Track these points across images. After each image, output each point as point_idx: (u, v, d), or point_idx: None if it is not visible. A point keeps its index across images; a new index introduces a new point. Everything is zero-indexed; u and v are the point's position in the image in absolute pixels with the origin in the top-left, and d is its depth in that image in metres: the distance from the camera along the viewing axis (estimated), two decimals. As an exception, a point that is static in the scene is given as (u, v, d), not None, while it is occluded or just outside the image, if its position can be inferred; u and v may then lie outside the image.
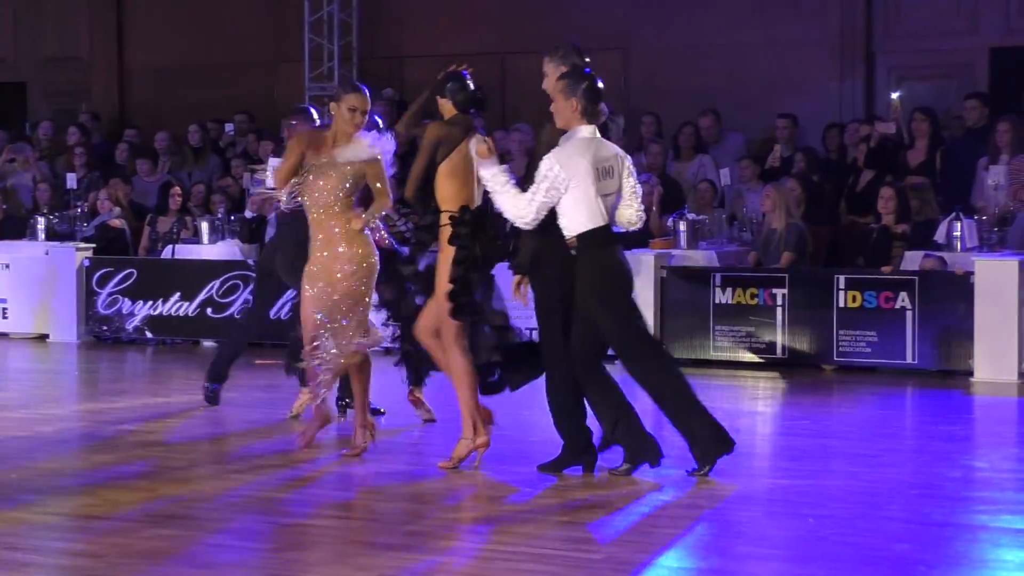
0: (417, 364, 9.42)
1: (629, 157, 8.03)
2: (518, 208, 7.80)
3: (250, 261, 14.00)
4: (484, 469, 8.18)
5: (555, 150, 7.79)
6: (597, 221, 7.77)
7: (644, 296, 12.64)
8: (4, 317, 15.01)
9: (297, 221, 8.97)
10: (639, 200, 8.02)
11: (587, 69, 7.96)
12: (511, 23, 16.99)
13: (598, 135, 7.87)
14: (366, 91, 8.61)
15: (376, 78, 16.38)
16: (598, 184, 7.75)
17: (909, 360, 12.05)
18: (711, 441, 7.82)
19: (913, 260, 12.45)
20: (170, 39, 18.81)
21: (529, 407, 9.20)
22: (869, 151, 13.73)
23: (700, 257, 13.16)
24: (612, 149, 7.89)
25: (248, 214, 14.30)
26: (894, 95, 14.54)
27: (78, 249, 14.79)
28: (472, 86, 8.36)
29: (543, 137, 8.14)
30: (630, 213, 8.00)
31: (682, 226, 13.23)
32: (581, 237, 7.78)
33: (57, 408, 10.80)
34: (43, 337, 14.78)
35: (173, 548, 6.50)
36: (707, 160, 14.80)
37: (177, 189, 15.44)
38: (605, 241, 7.82)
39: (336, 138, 8.48)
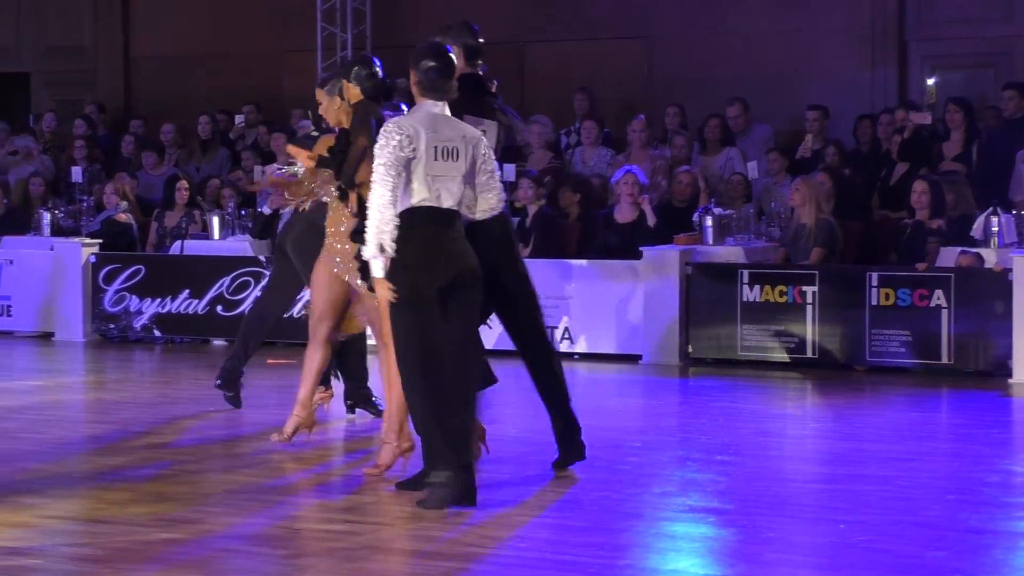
0: None
1: (484, 142, 7.43)
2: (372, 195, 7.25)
3: (261, 257, 13.80)
4: (502, 472, 8.02)
5: (397, 118, 7.33)
6: (412, 201, 7.18)
7: (668, 294, 12.45)
8: (8, 315, 14.83)
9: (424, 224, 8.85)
10: (498, 186, 7.47)
11: (448, 47, 7.48)
12: (530, 12, 16.81)
13: (447, 112, 7.34)
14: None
15: (390, 69, 16.08)
16: (432, 163, 7.20)
17: (944, 360, 11.86)
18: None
19: (949, 256, 12.26)
20: (177, 27, 18.68)
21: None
22: (903, 142, 13.47)
23: (727, 253, 12.96)
24: (461, 130, 7.33)
25: (265, 210, 14.14)
26: (930, 81, 14.30)
27: (84, 245, 14.62)
28: (381, 73, 8.05)
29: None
30: (491, 197, 7.45)
31: (708, 221, 12.99)
32: (401, 215, 7.23)
33: (63, 409, 10.76)
34: (48, 335, 14.63)
35: (182, 553, 6.44)
36: (735, 153, 14.56)
37: (184, 183, 15.24)
38: (420, 222, 7.21)
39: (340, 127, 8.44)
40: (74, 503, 7.44)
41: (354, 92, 8.11)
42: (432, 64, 7.26)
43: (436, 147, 7.21)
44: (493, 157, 7.48)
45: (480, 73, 7.90)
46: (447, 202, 7.23)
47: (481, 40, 7.84)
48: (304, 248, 9.06)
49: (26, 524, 6.91)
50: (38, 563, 6.29)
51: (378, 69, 8.15)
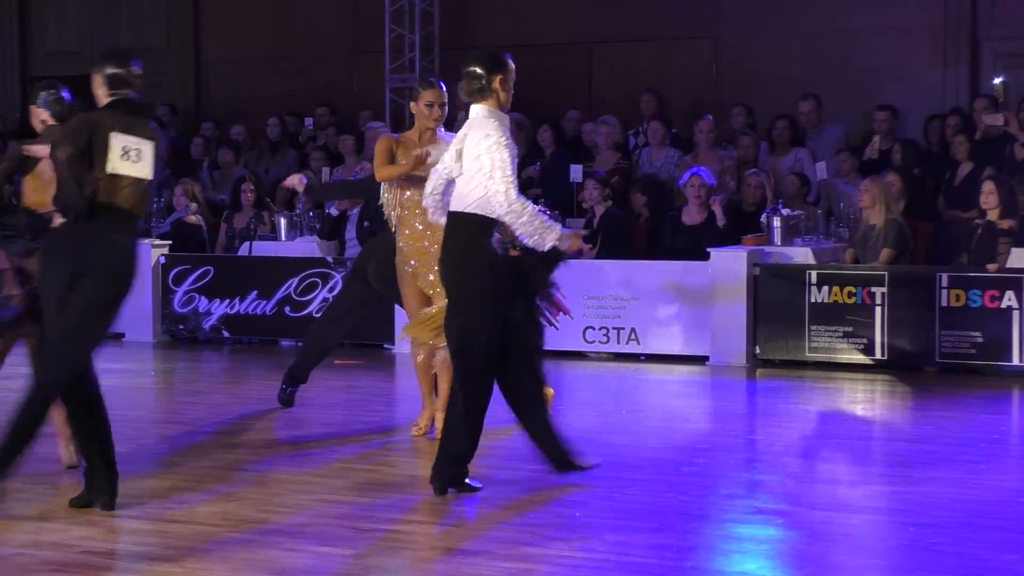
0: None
1: (482, 140, 7.43)
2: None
3: (329, 259, 13.84)
4: (571, 473, 7.96)
5: None
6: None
7: (736, 295, 12.37)
8: (80, 315, 14.83)
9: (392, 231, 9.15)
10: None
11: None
12: (598, 12, 16.74)
13: (474, 117, 7.52)
14: (442, 85, 8.83)
15: (459, 70, 16.10)
16: (453, 165, 7.57)
17: (1016, 362, 11.72)
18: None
19: (1020, 257, 12.11)
20: (246, 29, 18.76)
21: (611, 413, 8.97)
22: (973, 143, 13.29)
23: (795, 254, 12.83)
24: (466, 130, 7.54)
25: (332, 211, 14.19)
26: (997, 80, 14.11)
27: (154, 246, 14.66)
28: (68, 97, 8.14)
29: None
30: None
31: (776, 222, 12.86)
32: None
33: (132, 409, 10.75)
34: (118, 336, 14.63)
35: (251, 554, 6.43)
36: (804, 154, 14.41)
37: (249, 184, 15.25)
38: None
39: (420, 136, 8.80)
40: (144, 504, 7.43)
41: (44, 117, 8.14)
42: (466, 69, 7.55)
43: (453, 150, 7.59)
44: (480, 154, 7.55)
45: (131, 97, 7.80)
46: (455, 205, 7.52)
47: (135, 69, 7.79)
48: (388, 277, 9.12)
49: (96, 523, 6.95)
50: (108, 562, 6.33)
51: (64, 93, 8.23)
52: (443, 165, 7.66)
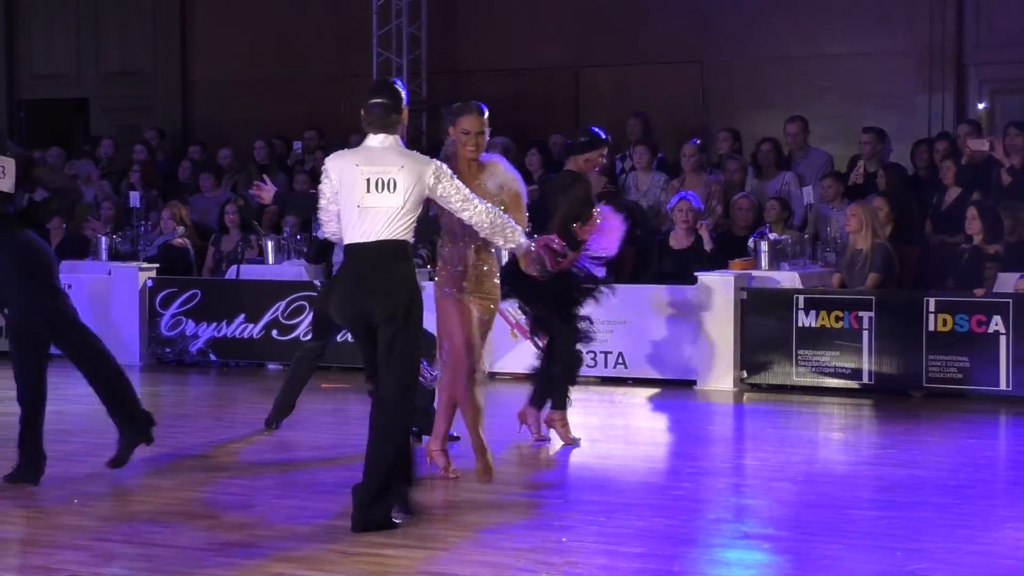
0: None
1: (437, 166, 7.38)
2: None
3: (316, 282, 13.83)
4: (554, 498, 8.05)
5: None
6: (353, 236, 7.36)
7: (723, 319, 12.37)
8: (66, 339, 14.81)
9: (351, 259, 8.88)
10: (472, 203, 7.46)
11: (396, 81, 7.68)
12: (585, 36, 16.78)
13: (392, 147, 7.36)
14: (484, 109, 8.41)
15: (445, 93, 16.18)
16: (364, 195, 7.31)
17: (1003, 387, 11.71)
18: None
19: (1007, 282, 12.10)
20: (234, 52, 18.77)
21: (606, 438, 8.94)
22: (959, 168, 13.31)
23: (782, 278, 12.82)
24: (400, 160, 7.35)
25: (320, 235, 14.16)
26: (980, 106, 14.16)
27: (141, 269, 14.63)
28: None
29: None
30: (467, 216, 7.51)
31: (763, 246, 12.85)
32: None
33: (118, 433, 10.61)
34: (105, 359, 14.58)
35: (236, 578, 6.39)
36: (790, 177, 14.41)
37: (232, 207, 15.21)
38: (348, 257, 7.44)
39: (469, 166, 8.32)
40: (129, 527, 7.44)
41: None
42: (376, 100, 7.40)
43: (370, 179, 7.29)
44: (448, 179, 7.44)
45: None
46: (380, 233, 7.34)
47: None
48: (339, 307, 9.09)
49: (82, 547, 6.92)
50: (95, 587, 6.31)
51: None
52: (330, 194, 7.47)
